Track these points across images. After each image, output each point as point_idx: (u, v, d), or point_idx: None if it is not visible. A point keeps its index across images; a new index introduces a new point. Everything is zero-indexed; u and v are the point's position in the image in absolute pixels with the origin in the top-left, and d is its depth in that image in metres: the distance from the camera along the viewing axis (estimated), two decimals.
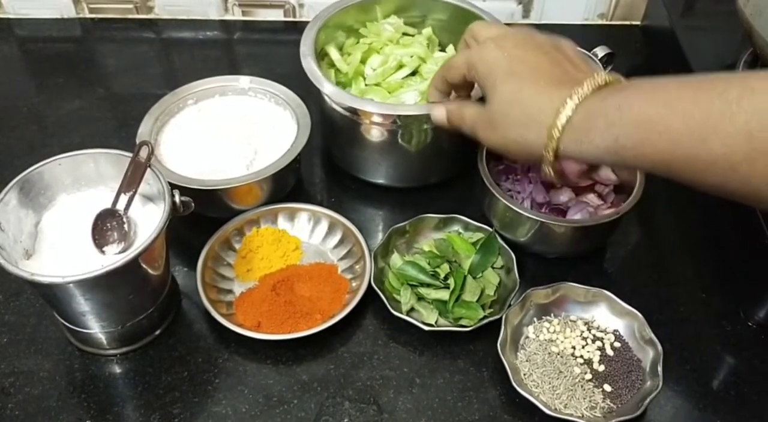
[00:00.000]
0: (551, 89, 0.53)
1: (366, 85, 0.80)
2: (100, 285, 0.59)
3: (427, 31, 0.84)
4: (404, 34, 0.84)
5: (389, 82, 0.79)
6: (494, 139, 0.57)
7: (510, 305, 0.68)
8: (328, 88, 0.73)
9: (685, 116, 0.46)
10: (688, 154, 0.46)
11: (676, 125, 0.46)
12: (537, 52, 0.56)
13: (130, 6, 1.04)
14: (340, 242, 0.75)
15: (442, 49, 0.85)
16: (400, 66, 0.81)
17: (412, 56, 0.80)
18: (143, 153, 0.64)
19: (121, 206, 0.65)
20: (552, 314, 0.69)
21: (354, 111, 0.73)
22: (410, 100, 0.77)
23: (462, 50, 0.62)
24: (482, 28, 0.63)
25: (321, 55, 0.76)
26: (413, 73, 0.81)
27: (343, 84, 0.80)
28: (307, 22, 0.80)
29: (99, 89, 0.95)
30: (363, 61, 0.81)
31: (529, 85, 0.54)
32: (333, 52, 0.81)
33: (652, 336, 0.65)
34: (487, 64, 0.57)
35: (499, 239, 0.73)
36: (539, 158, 0.54)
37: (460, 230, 0.76)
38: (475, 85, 0.65)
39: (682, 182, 0.48)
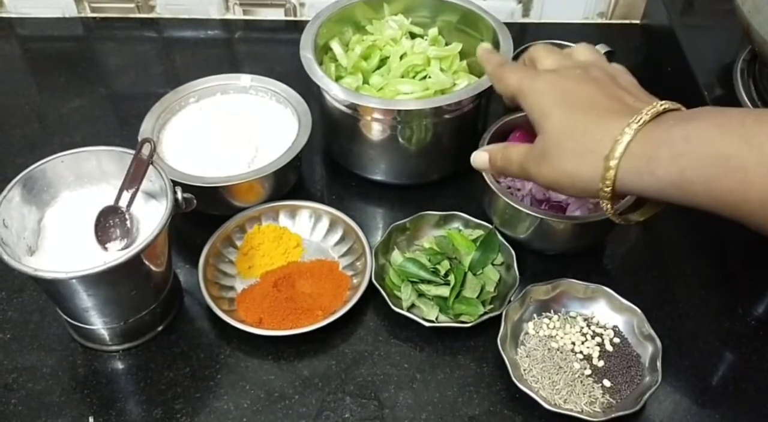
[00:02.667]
0: (608, 118, 0.50)
1: (367, 84, 0.81)
2: (103, 281, 0.60)
3: (433, 31, 0.84)
4: (410, 33, 0.84)
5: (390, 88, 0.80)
6: (546, 173, 0.53)
7: (510, 302, 0.68)
8: (326, 83, 0.73)
9: (762, 154, 0.42)
10: (763, 196, 0.43)
11: (753, 162, 0.43)
12: (592, 84, 0.53)
13: (132, 5, 1.04)
14: (341, 239, 0.75)
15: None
16: (408, 74, 0.81)
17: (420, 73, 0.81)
18: (145, 150, 0.65)
19: (123, 203, 0.65)
20: (552, 311, 0.70)
21: (354, 107, 0.74)
22: (407, 89, 0.78)
23: (517, 70, 0.58)
24: (543, 55, 0.59)
25: (324, 49, 0.77)
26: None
27: (342, 78, 0.81)
28: (307, 21, 0.80)
29: (100, 88, 0.95)
30: (364, 58, 0.82)
31: (583, 114, 0.51)
32: (336, 47, 0.81)
33: (651, 331, 0.66)
34: (538, 95, 0.54)
35: (499, 236, 0.73)
36: (595, 192, 0.50)
37: (461, 227, 0.76)
38: None
39: (750, 226, 0.45)
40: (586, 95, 0.52)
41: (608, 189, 0.49)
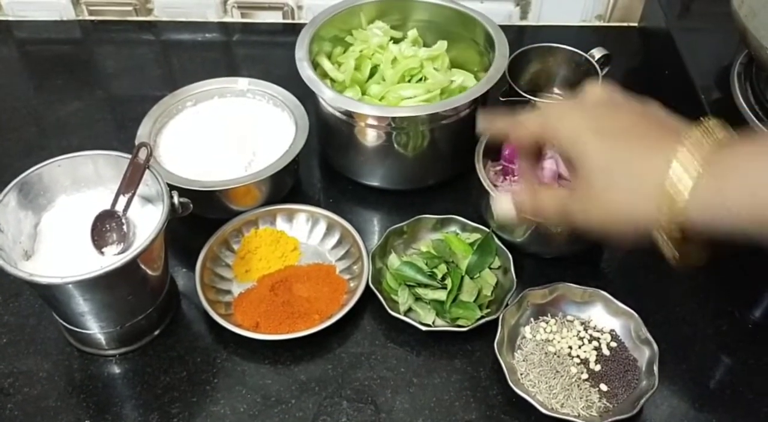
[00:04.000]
0: (657, 144, 0.45)
1: (368, 95, 0.81)
2: (99, 286, 0.60)
3: (413, 32, 0.85)
4: (391, 38, 0.84)
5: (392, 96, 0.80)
6: (596, 215, 0.47)
7: (507, 306, 0.68)
8: (326, 93, 0.73)
9: None
10: None
11: None
12: (624, 113, 0.49)
13: (129, 8, 1.04)
14: (338, 243, 0.75)
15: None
16: (403, 79, 0.81)
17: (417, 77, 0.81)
18: (142, 154, 0.65)
19: (120, 207, 0.65)
20: (549, 315, 0.70)
21: (349, 114, 0.74)
22: (409, 93, 0.78)
23: (534, 115, 0.53)
24: (552, 103, 0.55)
25: (313, 66, 0.77)
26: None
27: (338, 92, 0.80)
28: (305, 24, 0.80)
29: (98, 91, 0.95)
30: (357, 69, 0.82)
31: (627, 143, 0.46)
32: (325, 63, 0.81)
33: (648, 335, 0.66)
34: (570, 131, 0.48)
35: (496, 240, 0.73)
36: (649, 226, 0.45)
37: (458, 231, 0.76)
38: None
39: None
40: (624, 125, 0.47)
41: (671, 227, 0.43)
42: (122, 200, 0.65)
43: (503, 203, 0.54)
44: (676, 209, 0.42)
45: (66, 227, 0.66)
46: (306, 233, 0.77)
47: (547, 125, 0.50)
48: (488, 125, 0.56)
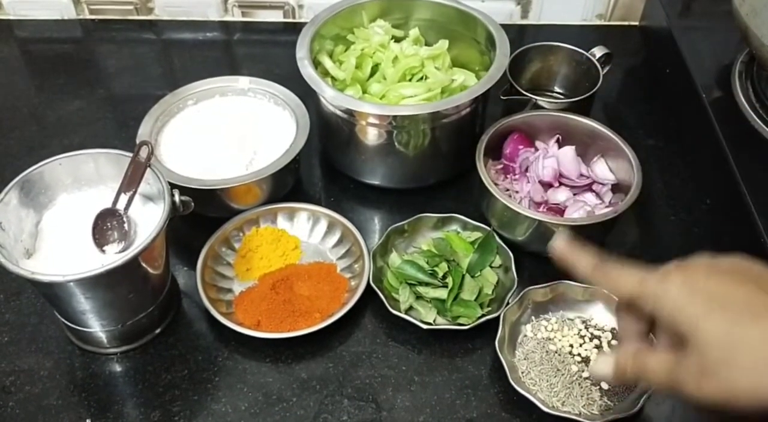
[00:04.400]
0: None
1: (369, 94, 0.81)
2: (101, 284, 0.60)
3: (414, 31, 0.85)
4: (392, 36, 0.84)
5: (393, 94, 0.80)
6: (713, 391, 0.43)
7: (508, 304, 0.68)
8: (327, 92, 0.73)
9: None
10: None
11: None
12: (735, 280, 0.45)
13: (130, 7, 1.04)
14: (339, 242, 0.75)
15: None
16: (404, 78, 0.81)
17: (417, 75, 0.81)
18: (143, 153, 0.65)
19: (121, 205, 0.65)
20: (550, 313, 0.70)
21: (350, 112, 0.74)
22: (409, 92, 0.78)
23: (628, 270, 0.48)
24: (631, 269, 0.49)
25: (315, 64, 0.77)
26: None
27: (339, 90, 0.80)
28: (306, 23, 0.80)
29: (99, 90, 0.95)
30: (358, 67, 0.82)
31: (748, 320, 0.42)
32: (326, 61, 0.81)
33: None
34: (679, 300, 0.44)
35: (497, 239, 0.73)
36: None
37: (459, 230, 0.76)
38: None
39: None
40: (741, 295, 0.44)
41: None
42: (123, 199, 0.65)
43: (603, 364, 0.50)
44: None
45: (67, 226, 0.66)
46: (307, 232, 0.77)
47: (648, 285, 0.46)
48: (568, 254, 0.51)
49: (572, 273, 0.51)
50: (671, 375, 0.45)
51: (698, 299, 0.44)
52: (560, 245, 0.51)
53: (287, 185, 0.80)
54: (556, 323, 0.69)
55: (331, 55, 0.83)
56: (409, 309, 0.70)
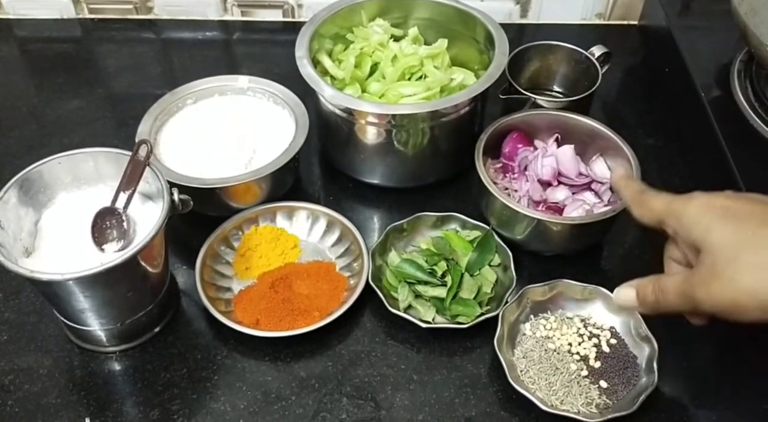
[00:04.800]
0: None
1: (368, 93, 0.81)
2: (100, 283, 0.60)
3: (413, 31, 0.85)
4: (391, 35, 0.84)
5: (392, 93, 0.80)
6: (720, 294, 0.46)
7: (507, 303, 0.68)
8: (326, 91, 0.73)
9: None
10: None
11: None
12: (747, 200, 0.50)
13: (130, 6, 1.04)
14: (338, 240, 0.75)
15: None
16: (403, 77, 0.81)
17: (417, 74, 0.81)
18: (142, 152, 0.65)
19: (120, 204, 0.65)
20: (548, 312, 0.70)
21: (349, 111, 0.74)
22: (409, 91, 0.78)
23: (660, 195, 0.55)
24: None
25: (314, 63, 0.77)
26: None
27: (338, 90, 0.80)
28: (305, 23, 0.80)
29: (98, 89, 0.95)
30: (357, 66, 0.82)
31: (756, 225, 0.46)
32: (326, 60, 0.81)
33: (648, 332, 0.66)
34: (696, 213, 0.50)
35: (496, 237, 0.73)
36: None
37: (458, 228, 0.76)
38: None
39: None
40: (749, 208, 0.48)
41: None
42: (122, 197, 0.65)
43: (627, 292, 0.54)
44: None
45: (66, 224, 0.66)
46: (306, 231, 0.77)
47: (673, 205, 0.51)
48: (621, 180, 0.60)
49: (619, 194, 0.60)
50: (685, 287, 0.49)
51: (714, 213, 0.48)
52: (618, 173, 0.63)
53: (286, 184, 0.80)
54: (555, 321, 0.69)
55: (330, 55, 0.83)
56: (408, 308, 0.70)
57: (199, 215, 0.72)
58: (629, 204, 0.58)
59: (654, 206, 0.54)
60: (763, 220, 0.47)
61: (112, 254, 0.64)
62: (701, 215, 0.49)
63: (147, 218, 0.66)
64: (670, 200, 0.53)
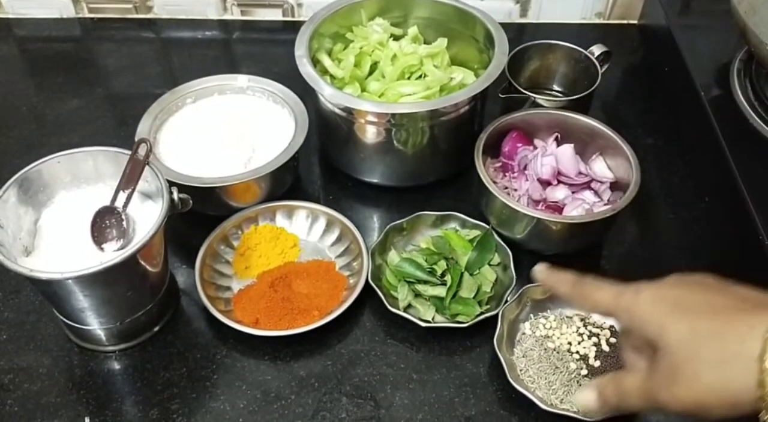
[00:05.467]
0: (741, 317, 0.43)
1: (367, 92, 0.81)
2: (99, 282, 0.60)
3: (413, 30, 0.85)
4: (391, 34, 0.84)
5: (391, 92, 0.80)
6: (684, 394, 0.44)
7: (506, 302, 0.68)
8: (326, 90, 0.73)
9: None
10: None
11: None
12: (699, 288, 0.47)
13: (129, 6, 1.04)
14: (338, 240, 0.75)
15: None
16: (403, 76, 0.81)
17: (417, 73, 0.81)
18: (141, 151, 0.65)
19: (119, 203, 0.65)
20: (548, 311, 0.70)
21: (349, 111, 0.74)
22: (408, 90, 0.78)
23: (603, 287, 0.51)
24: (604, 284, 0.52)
25: (313, 62, 0.77)
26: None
27: (338, 89, 0.80)
28: (305, 22, 0.80)
29: (98, 89, 0.95)
30: (357, 65, 0.82)
31: (710, 317, 0.44)
32: (325, 59, 0.81)
33: None
34: (647, 307, 0.47)
35: (496, 237, 0.73)
36: (750, 404, 0.42)
37: (457, 228, 0.76)
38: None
39: None
40: (703, 299, 0.46)
41: None
42: (122, 196, 0.65)
43: (586, 394, 0.51)
44: None
45: (66, 224, 0.66)
46: (306, 230, 0.77)
47: (621, 300, 0.48)
48: (548, 277, 0.55)
49: (555, 294, 0.55)
50: (646, 387, 0.46)
51: (665, 306, 0.46)
52: (541, 270, 0.55)
53: (286, 183, 0.80)
54: (554, 320, 0.69)
55: (329, 54, 0.83)
56: (408, 307, 0.70)
57: (199, 214, 0.72)
58: (570, 300, 0.53)
59: (600, 300, 0.50)
60: (714, 309, 0.45)
61: (112, 253, 0.64)
62: (652, 310, 0.46)
63: (146, 217, 0.66)
64: (617, 294, 0.49)
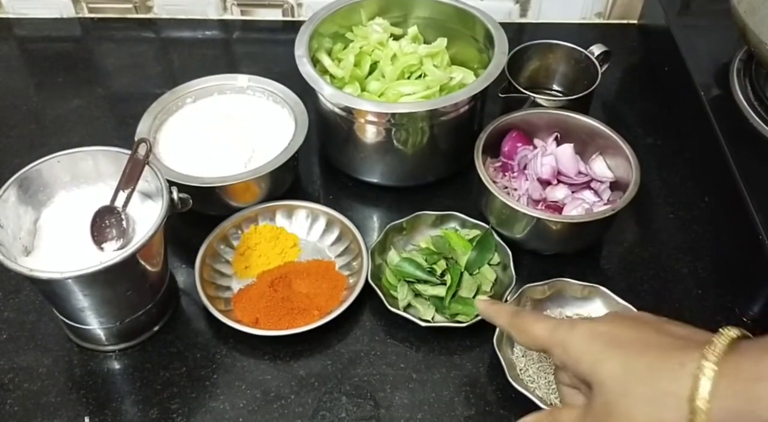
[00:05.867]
0: (673, 354, 0.43)
1: (367, 92, 0.81)
2: (99, 281, 0.60)
3: (413, 29, 0.85)
4: (391, 34, 0.84)
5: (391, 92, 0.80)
6: None
7: (506, 302, 0.68)
8: (325, 90, 0.73)
9: None
10: None
11: None
12: (634, 324, 0.47)
13: (129, 5, 1.04)
14: (338, 239, 0.75)
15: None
16: (403, 76, 0.81)
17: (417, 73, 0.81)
18: (141, 150, 0.65)
19: (119, 203, 0.65)
20: (548, 310, 0.70)
21: (349, 110, 0.74)
22: (408, 90, 0.78)
23: (540, 319, 0.52)
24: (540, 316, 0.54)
25: (313, 62, 0.77)
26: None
27: (338, 88, 0.80)
28: (304, 22, 0.80)
29: (98, 88, 0.95)
30: (356, 65, 0.82)
31: (641, 353, 0.44)
32: (325, 59, 0.81)
33: None
34: (581, 343, 0.47)
35: (496, 236, 0.73)
36: None
37: (457, 227, 0.76)
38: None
39: None
40: (636, 335, 0.46)
41: None
42: (122, 196, 0.65)
43: None
44: (701, 420, 0.41)
45: (65, 223, 0.66)
46: (305, 230, 0.77)
47: (556, 333, 0.49)
48: (487, 308, 0.57)
49: (494, 324, 0.57)
50: None
51: (598, 343, 0.46)
52: (482, 302, 0.59)
53: (286, 182, 0.80)
54: None
55: (329, 53, 0.83)
56: (408, 307, 0.70)
57: (199, 214, 0.72)
58: (508, 332, 0.54)
59: (536, 333, 0.51)
60: (647, 346, 0.45)
61: (112, 253, 0.64)
62: (587, 346, 0.47)
63: (146, 216, 0.66)
64: (552, 327, 0.50)
